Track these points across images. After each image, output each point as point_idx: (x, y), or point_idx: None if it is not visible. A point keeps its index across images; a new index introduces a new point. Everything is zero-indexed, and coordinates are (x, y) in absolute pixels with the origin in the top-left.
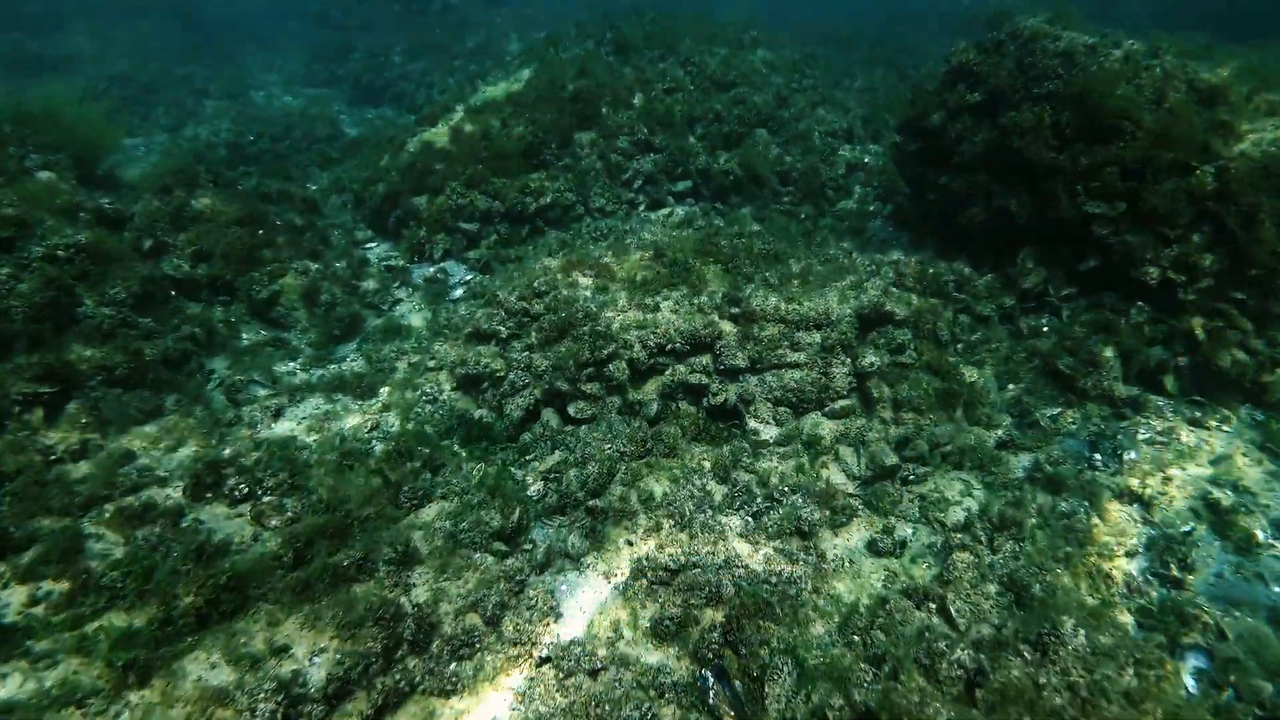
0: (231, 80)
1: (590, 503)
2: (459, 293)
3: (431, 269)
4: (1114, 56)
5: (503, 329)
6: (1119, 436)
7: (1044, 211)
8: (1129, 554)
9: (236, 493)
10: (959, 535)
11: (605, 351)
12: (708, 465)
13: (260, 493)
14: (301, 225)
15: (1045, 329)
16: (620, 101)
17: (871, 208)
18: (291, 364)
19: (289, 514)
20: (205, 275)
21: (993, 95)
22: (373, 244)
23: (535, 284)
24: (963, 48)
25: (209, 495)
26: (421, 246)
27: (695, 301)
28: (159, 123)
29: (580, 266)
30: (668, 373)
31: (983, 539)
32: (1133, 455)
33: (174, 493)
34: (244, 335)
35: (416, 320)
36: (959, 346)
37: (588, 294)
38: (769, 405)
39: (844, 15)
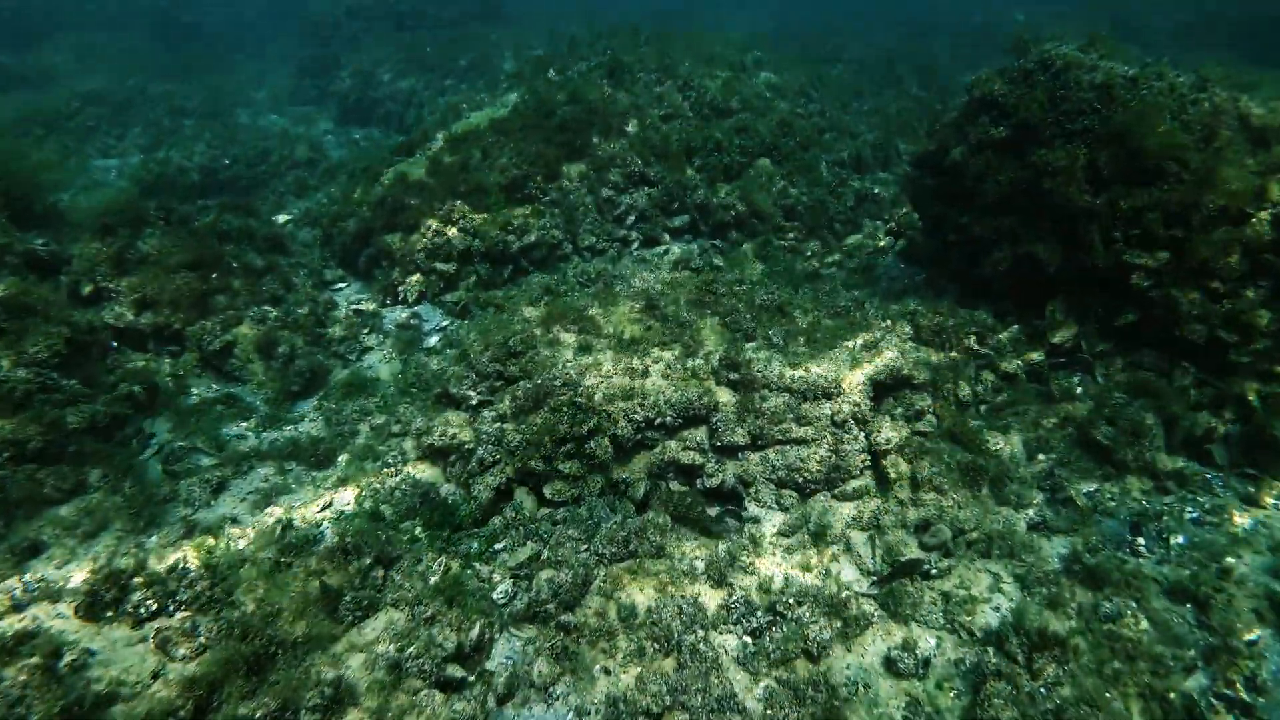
0: (215, 97)
1: (563, 617)
2: (434, 340)
3: (405, 313)
4: (1157, 89)
5: (473, 394)
6: (1165, 518)
7: (1076, 259)
8: (1186, 669)
9: (143, 609)
10: (993, 659)
11: (586, 427)
12: (700, 566)
13: (171, 608)
14: (262, 266)
15: (1078, 389)
16: (613, 130)
17: (882, 243)
18: (244, 424)
19: (200, 639)
20: (150, 324)
21: (1020, 130)
22: (343, 285)
23: (510, 342)
24: (986, 77)
25: (109, 614)
26: (394, 289)
27: (689, 364)
28: (136, 143)
29: (562, 320)
30: (657, 449)
31: (1020, 659)
32: (1181, 540)
33: (68, 609)
34: (194, 391)
35: (386, 372)
36: (982, 409)
37: (569, 354)
38: (771, 487)
39: (852, 31)
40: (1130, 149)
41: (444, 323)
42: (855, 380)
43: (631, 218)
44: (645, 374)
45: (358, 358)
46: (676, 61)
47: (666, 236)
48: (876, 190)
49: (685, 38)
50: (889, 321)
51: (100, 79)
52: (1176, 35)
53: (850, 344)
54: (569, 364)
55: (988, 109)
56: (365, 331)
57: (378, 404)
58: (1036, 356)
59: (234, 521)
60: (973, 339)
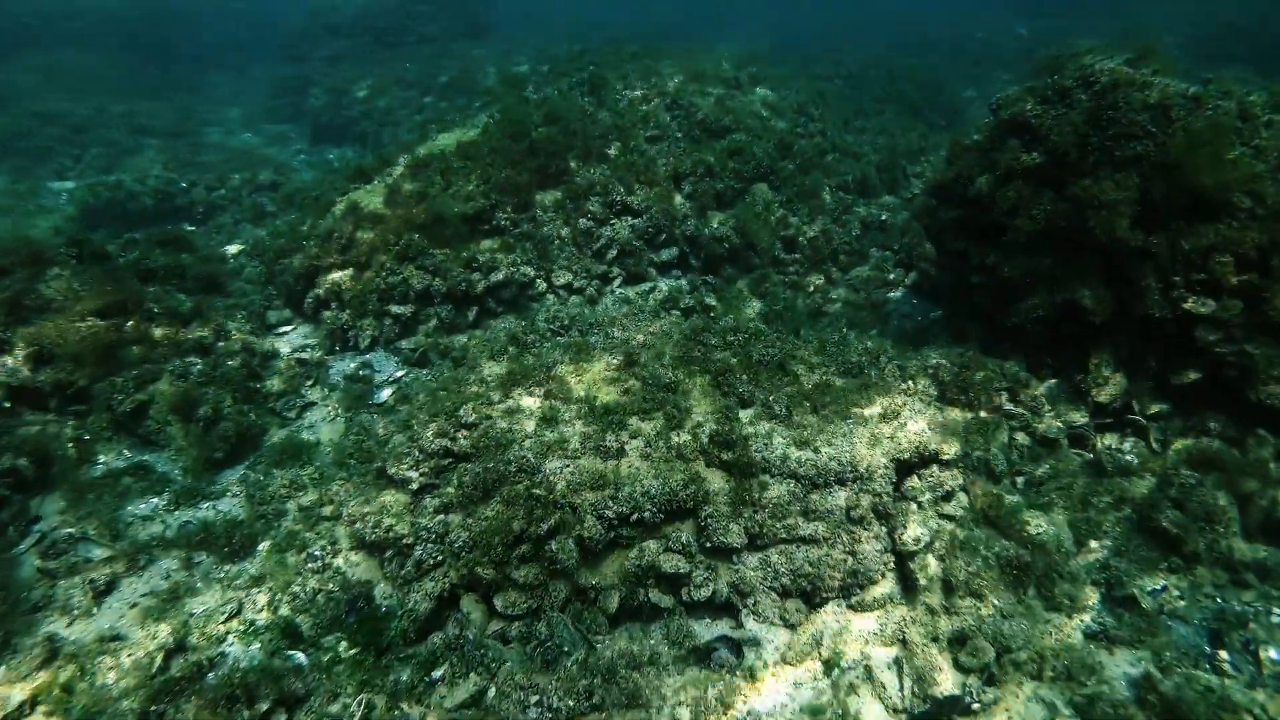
0: (186, 116)
1: None
2: (386, 394)
3: (354, 362)
4: (1223, 110)
5: (415, 475)
6: (1251, 624)
7: (1127, 307)
8: None
9: None
10: None
11: (546, 525)
12: (686, 716)
13: None
14: (189, 310)
15: (1131, 459)
16: (593, 153)
17: (892, 275)
18: (155, 501)
19: None
20: (50, 381)
21: (1057, 157)
22: (288, 328)
23: (462, 411)
24: (1016, 96)
25: None
26: (344, 334)
27: (674, 440)
28: (94, 165)
29: (526, 381)
30: (634, 552)
31: None
32: (1274, 655)
33: None
34: (101, 460)
35: (328, 433)
36: (1019, 480)
37: (531, 425)
38: (774, 597)
39: (850, 46)
40: (1193, 180)
41: (398, 373)
42: (875, 463)
43: (613, 252)
44: (620, 453)
45: (297, 415)
46: (665, 78)
47: (653, 272)
48: (884, 217)
49: (675, 54)
50: (910, 382)
51: (63, 98)
52: (1188, 48)
53: (866, 411)
54: (528, 441)
55: (1018, 132)
56: (308, 384)
57: (312, 476)
58: (1079, 418)
59: (115, 639)
60: (1004, 395)
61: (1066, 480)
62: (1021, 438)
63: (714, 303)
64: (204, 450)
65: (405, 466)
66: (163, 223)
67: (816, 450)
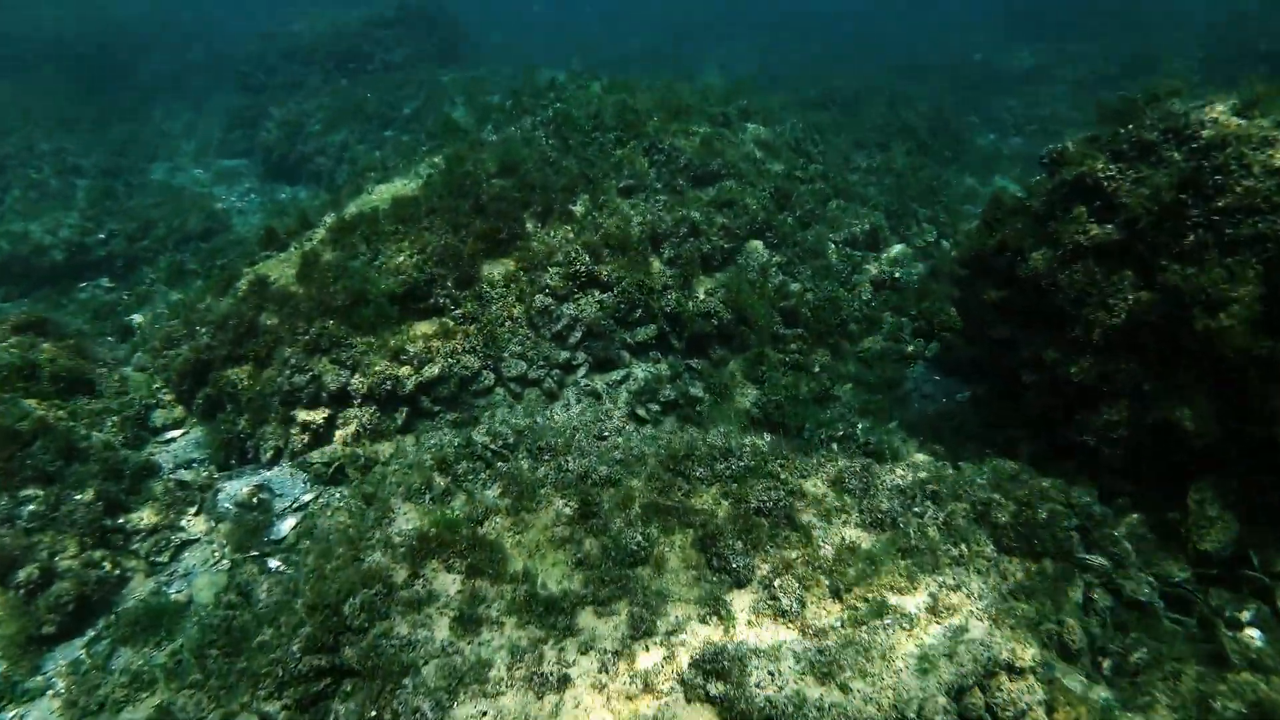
0: (130, 150)
1: None
2: (286, 527)
3: (249, 484)
4: None
5: (275, 710)
6: None
7: (1241, 429)
8: None
9: None
10: None
11: None
12: None
13: None
14: (29, 428)
15: (1257, 641)
16: (554, 211)
17: (910, 347)
18: None
19: None
20: None
21: (1141, 232)
22: (177, 432)
23: (349, 607)
24: (1079, 151)
25: None
26: (240, 444)
27: (639, 663)
28: (14, 209)
29: (446, 548)
30: None
31: None
32: None
33: None
34: None
35: (206, 588)
36: (1105, 663)
37: (441, 633)
38: None
39: (842, 71)
40: None
41: (305, 496)
42: (930, 705)
43: (577, 334)
44: (563, 683)
45: (171, 558)
46: (642, 115)
47: (626, 355)
48: (897, 275)
49: (654, 87)
50: (961, 545)
51: None
52: (1207, 73)
53: (908, 603)
54: (433, 665)
55: (1084, 196)
56: (190, 514)
57: (165, 665)
58: (1179, 573)
59: None
60: (1075, 537)
61: (1171, 667)
62: (1101, 597)
63: (700, 393)
64: (25, 626)
65: (262, 696)
66: (75, 280)
67: (845, 688)
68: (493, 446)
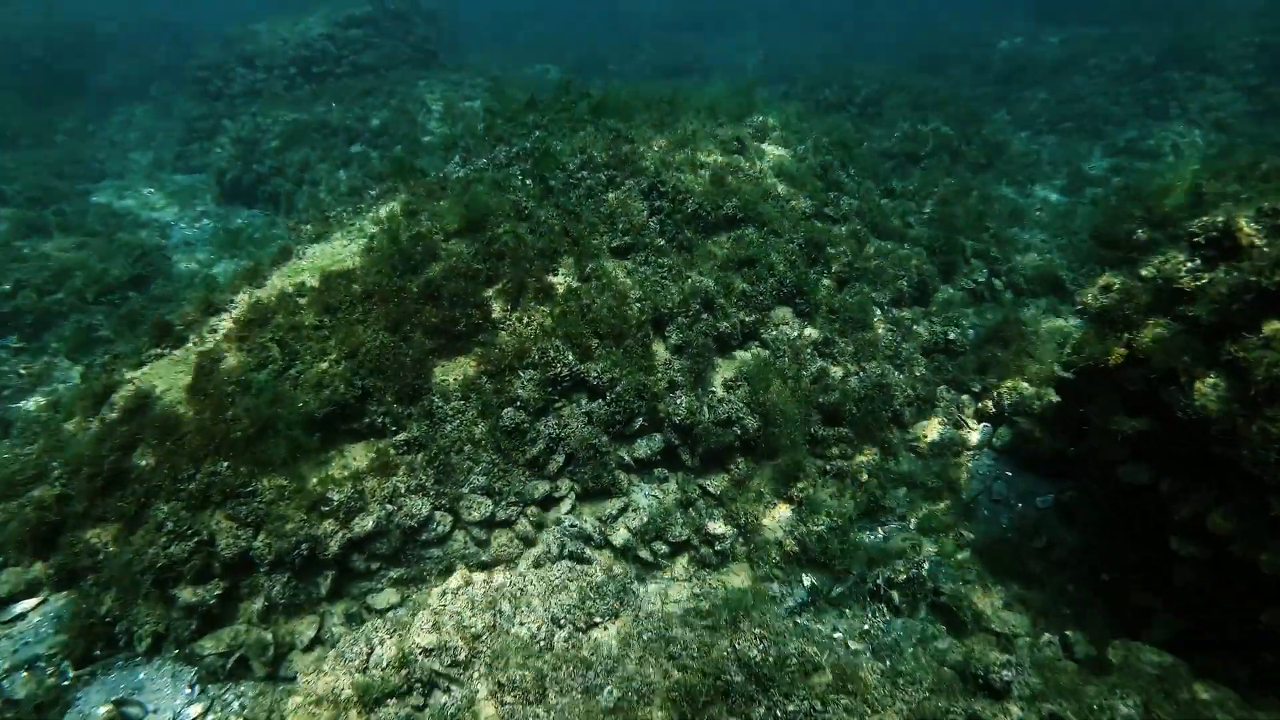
0: (70, 168)
1: None
2: None
3: (107, 703)
4: None
5: None
6: None
7: None
8: None
9: None
10: None
11: None
12: None
13: None
14: None
15: None
16: (527, 287)
17: (974, 435)
18: None
19: None
20: None
21: None
22: (30, 603)
23: None
24: (1259, 232)
25: None
26: (107, 631)
27: None
28: None
29: None
30: None
31: None
32: None
33: None
34: None
35: None
36: None
37: None
38: None
39: (855, 59)
40: None
41: (191, 709)
42: None
43: (559, 458)
44: None
45: None
46: (639, 144)
47: (624, 479)
48: (951, 336)
49: (654, 101)
50: None
51: None
52: (1265, 60)
53: None
54: None
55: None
56: None
57: None
58: None
59: None
60: None
61: None
62: None
63: (721, 527)
64: None
65: None
66: None
67: None
68: (438, 668)
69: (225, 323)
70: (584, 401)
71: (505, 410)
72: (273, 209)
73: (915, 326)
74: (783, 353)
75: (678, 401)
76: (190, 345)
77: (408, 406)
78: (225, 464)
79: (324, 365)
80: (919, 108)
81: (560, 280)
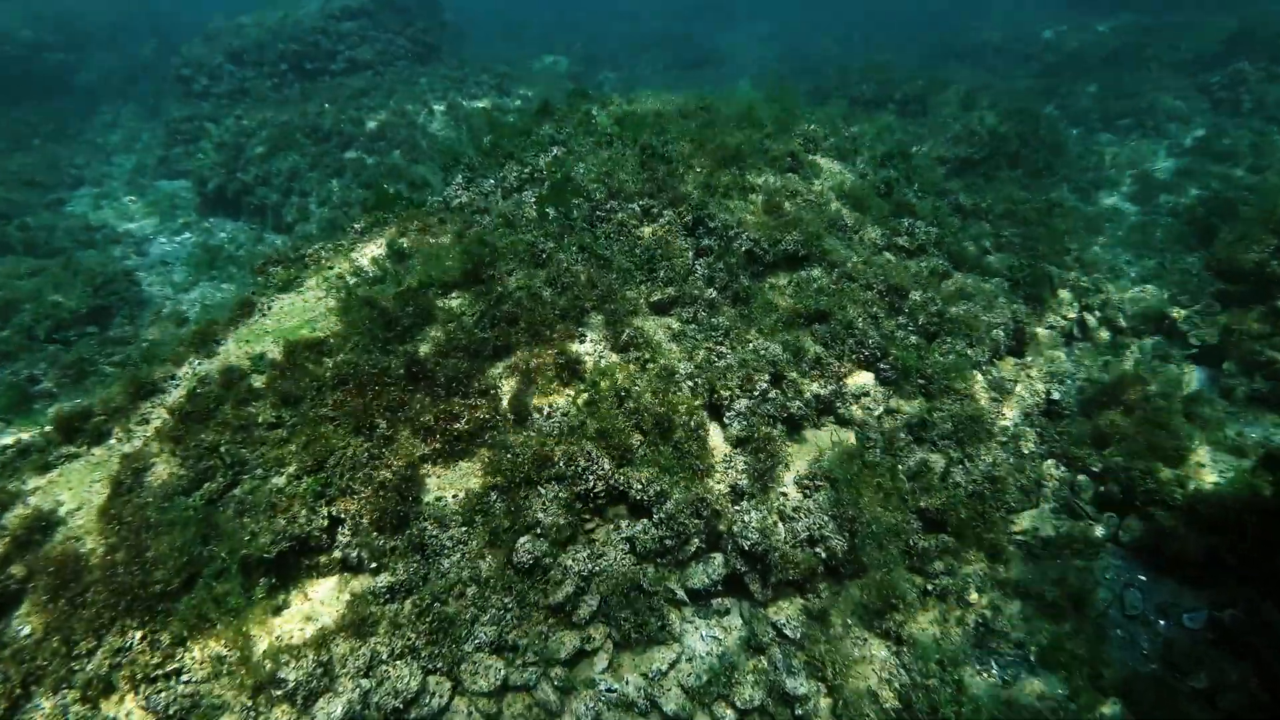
0: (44, 175)
1: None
2: None
3: None
4: None
5: None
6: None
7: None
8: None
9: None
10: None
11: None
12: None
13: None
14: None
15: None
16: (547, 362)
17: (1099, 528)
18: None
19: None
20: None
21: None
22: None
23: None
24: None
25: None
26: None
27: None
28: None
29: None
30: None
31: None
32: None
33: None
34: None
35: None
36: None
37: None
38: None
39: (886, 54)
40: None
41: None
42: None
43: (591, 603)
44: None
45: None
46: (677, 166)
47: (676, 621)
48: (1055, 395)
49: (685, 108)
50: None
51: None
52: None
53: None
54: None
55: None
56: None
57: None
58: None
59: None
60: None
61: None
62: None
63: (803, 687)
64: None
65: None
66: None
67: None
68: None
69: (159, 413)
70: (623, 524)
71: (521, 539)
72: (259, 222)
73: (1017, 387)
74: (872, 439)
75: (745, 519)
76: (114, 442)
77: (391, 536)
78: (139, 633)
79: (280, 480)
80: (970, 106)
81: (589, 350)
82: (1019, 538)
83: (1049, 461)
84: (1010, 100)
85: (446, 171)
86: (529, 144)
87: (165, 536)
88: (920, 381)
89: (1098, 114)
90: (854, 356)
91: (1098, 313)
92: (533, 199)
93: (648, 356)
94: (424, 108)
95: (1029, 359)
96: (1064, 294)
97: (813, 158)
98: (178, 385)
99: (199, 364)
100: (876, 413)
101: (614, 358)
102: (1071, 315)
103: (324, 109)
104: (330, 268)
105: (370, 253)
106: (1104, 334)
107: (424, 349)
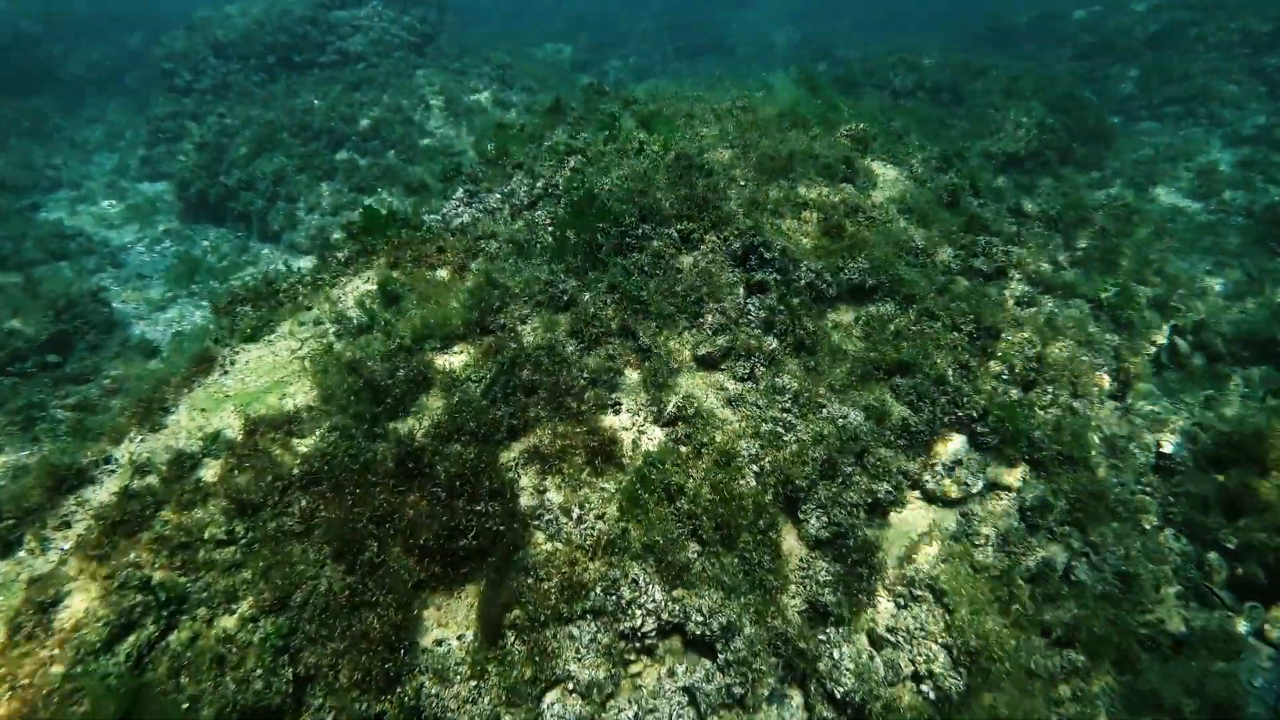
0: (16, 177)
1: None
2: None
3: None
4: None
5: None
6: None
7: None
8: None
9: None
10: None
11: None
12: None
13: None
14: None
15: None
16: (574, 441)
17: (1240, 620)
18: None
19: None
20: None
21: None
22: None
23: None
24: None
25: None
26: None
27: None
28: None
29: None
30: None
31: None
32: None
33: None
34: None
35: None
36: None
37: None
38: None
39: (908, 36)
40: None
41: None
42: None
43: None
44: None
45: None
46: (719, 179)
47: None
48: (1166, 448)
49: (719, 109)
50: None
51: None
52: None
53: None
54: None
55: None
56: None
57: None
58: None
59: None
60: None
61: None
62: None
63: None
64: None
65: None
66: None
67: None
68: None
69: (82, 519)
70: (680, 667)
71: (549, 698)
72: (244, 229)
73: (1131, 447)
74: (977, 534)
75: (836, 656)
76: (24, 555)
77: (378, 698)
78: None
79: (230, 622)
80: (1013, 94)
81: (626, 424)
82: (1142, 631)
83: (1166, 532)
84: (1048, 88)
85: (446, 183)
86: (541, 152)
87: (77, 710)
88: (1028, 449)
89: (1142, 101)
90: (946, 418)
91: (1190, 336)
92: (548, 219)
93: (702, 437)
94: (421, 103)
95: (1130, 401)
96: (1151, 315)
97: (866, 161)
98: (113, 472)
99: (141, 442)
100: (976, 488)
101: (658, 434)
102: (1160, 339)
103: (313, 105)
104: (308, 307)
105: (356, 290)
106: (1197, 360)
107: (420, 430)
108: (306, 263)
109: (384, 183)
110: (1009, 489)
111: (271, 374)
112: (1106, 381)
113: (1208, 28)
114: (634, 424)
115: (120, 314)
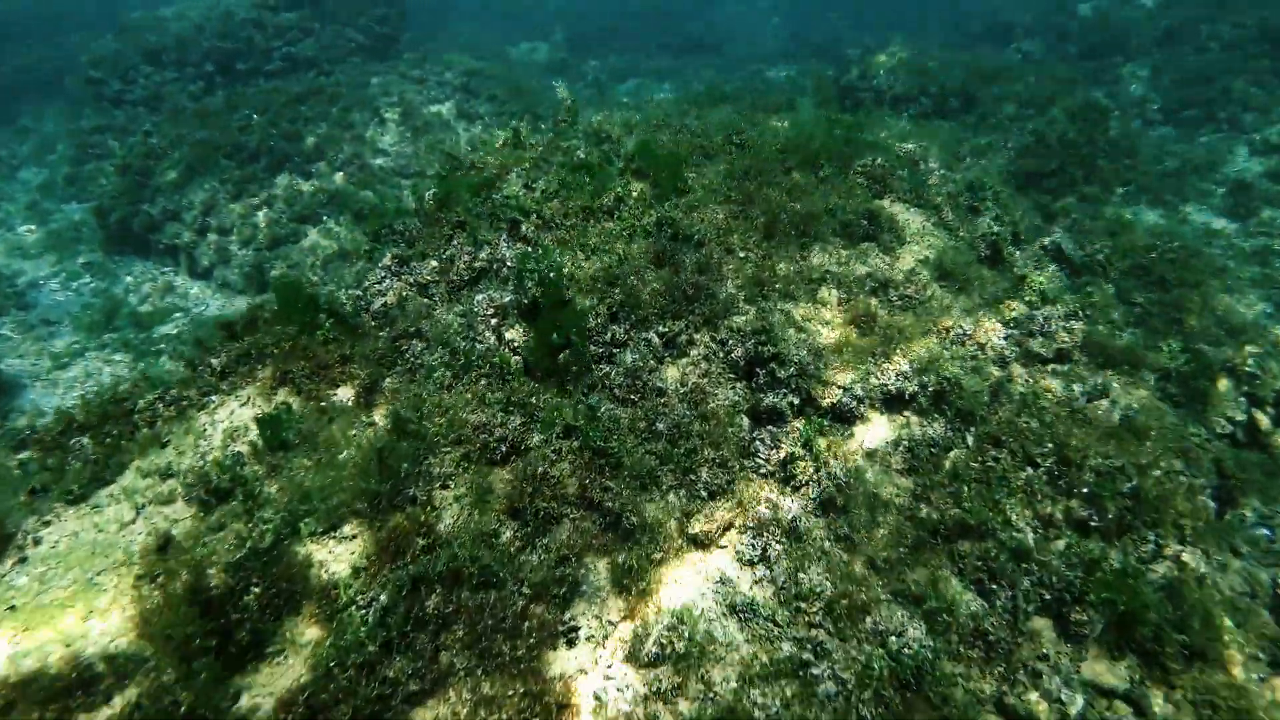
0: None
1: None
2: None
3: None
4: None
5: None
6: None
7: None
8: None
9: None
10: None
11: None
12: None
13: None
14: None
15: None
16: (534, 701)
17: None
18: None
19: None
20: None
21: None
22: None
23: None
24: None
25: None
26: None
27: None
28: None
29: None
30: None
31: None
32: None
33: None
34: None
35: None
36: None
37: None
38: None
39: (902, 35)
40: None
41: None
42: None
43: None
44: None
45: None
46: (710, 248)
47: None
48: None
49: (711, 147)
50: None
51: None
52: None
53: None
54: None
55: None
56: None
57: None
58: None
59: None
60: None
61: None
62: None
63: None
64: None
65: None
66: None
67: None
68: None
69: None
70: None
71: None
72: (173, 263)
73: (1252, 603)
74: None
75: None
76: None
77: None
78: None
79: None
80: (1029, 103)
81: (586, 661)
82: None
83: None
84: (1067, 93)
85: (372, 244)
86: (487, 209)
87: None
88: (1151, 641)
89: (1155, 104)
90: (1030, 605)
91: (1270, 409)
92: (490, 308)
93: (696, 686)
94: (374, 116)
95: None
96: (1227, 388)
97: (887, 207)
98: None
99: None
100: (1076, 708)
101: (636, 681)
102: (1236, 415)
103: (251, 121)
104: (163, 443)
105: (230, 418)
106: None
107: (271, 697)
108: (242, 302)
109: (330, 210)
110: (1114, 694)
111: (85, 566)
112: (1208, 506)
113: (1222, 24)
114: (596, 662)
115: (10, 374)
